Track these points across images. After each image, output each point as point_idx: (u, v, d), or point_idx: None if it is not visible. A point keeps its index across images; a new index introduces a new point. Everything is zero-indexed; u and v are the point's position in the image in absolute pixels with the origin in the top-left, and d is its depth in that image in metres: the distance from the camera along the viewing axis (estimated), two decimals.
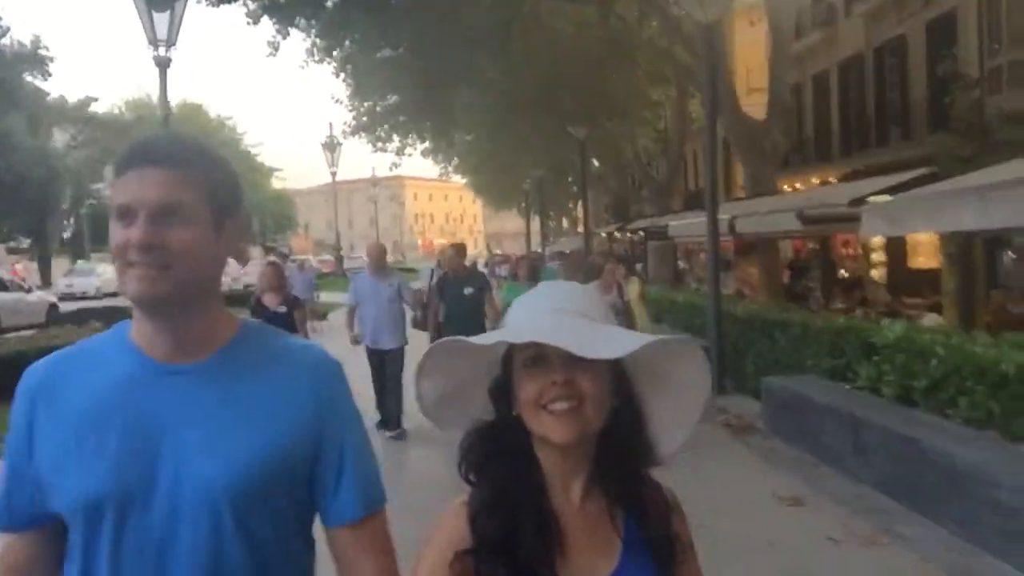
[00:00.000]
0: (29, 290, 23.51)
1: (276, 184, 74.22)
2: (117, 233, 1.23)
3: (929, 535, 4.66)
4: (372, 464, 1.41)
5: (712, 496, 5.11)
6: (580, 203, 36.74)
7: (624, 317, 7.13)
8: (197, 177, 1.26)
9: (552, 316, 1.21)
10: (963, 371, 5.26)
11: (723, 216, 12.03)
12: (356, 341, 8.23)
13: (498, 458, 1.23)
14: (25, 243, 47.39)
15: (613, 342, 1.16)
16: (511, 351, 1.24)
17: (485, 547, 1.18)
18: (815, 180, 22.49)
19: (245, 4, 13.81)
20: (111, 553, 1.24)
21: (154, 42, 11.72)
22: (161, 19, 11.60)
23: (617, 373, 1.23)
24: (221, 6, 13.18)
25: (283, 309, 7.45)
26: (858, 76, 22.13)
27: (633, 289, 8.81)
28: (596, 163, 30.07)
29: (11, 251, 45.56)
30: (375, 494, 1.39)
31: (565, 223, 53.33)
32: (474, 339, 1.22)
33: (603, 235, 32.95)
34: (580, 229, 33.08)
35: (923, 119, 18.15)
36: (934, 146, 13.95)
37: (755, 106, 17.68)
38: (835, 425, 5.97)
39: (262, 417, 1.27)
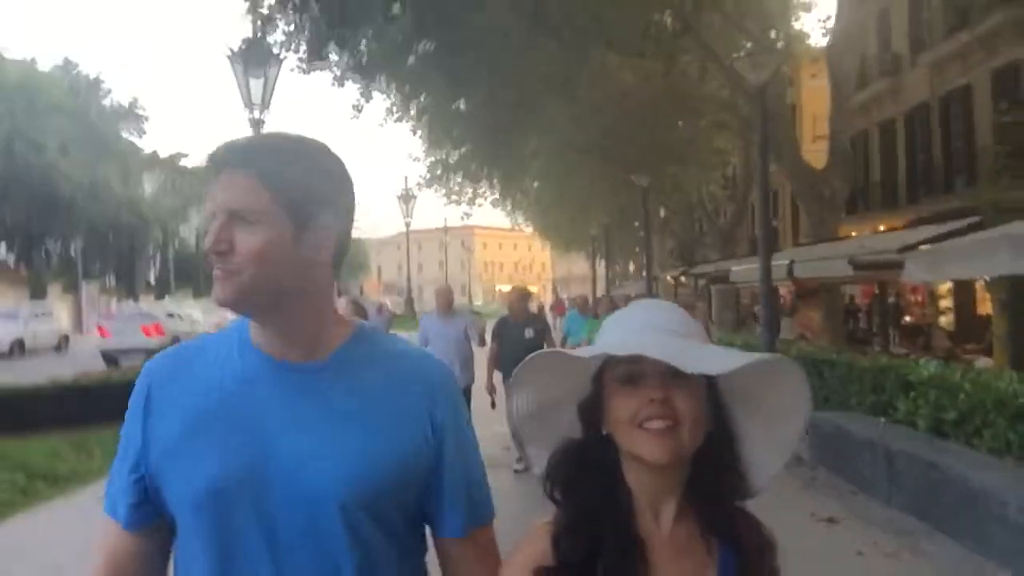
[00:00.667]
0: None
1: (354, 234, 76.83)
2: (208, 236, 1.25)
3: (947, 551, 5.09)
4: (482, 477, 1.41)
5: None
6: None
7: None
8: (273, 179, 1.23)
9: (650, 334, 1.19)
10: (987, 405, 5.67)
11: (783, 261, 12.44)
12: None
13: (585, 478, 1.21)
14: (114, 283, 50.08)
15: (716, 358, 1.15)
16: (603, 369, 1.22)
17: (567, 568, 1.16)
18: (881, 226, 22.57)
19: (331, 70, 14.98)
20: (219, 547, 1.24)
21: (249, 104, 12.91)
22: (256, 84, 12.80)
23: (712, 397, 1.21)
24: (311, 73, 14.35)
25: None
26: (924, 124, 22.27)
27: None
28: (662, 209, 30.60)
29: (103, 290, 48.18)
30: (484, 508, 1.39)
31: (632, 266, 53.72)
32: (573, 352, 1.22)
33: (668, 279, 33.31)
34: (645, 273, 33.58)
35: (988, 167, 18.24)
36: (996, 193, 14.14)
37: (820, 152, 18.06)
38: (871, 455, 6.43)
39: (378, 422, 1.27)
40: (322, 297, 1.31)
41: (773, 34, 17.56)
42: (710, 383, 1.18)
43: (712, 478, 1.19)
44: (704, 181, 25.77)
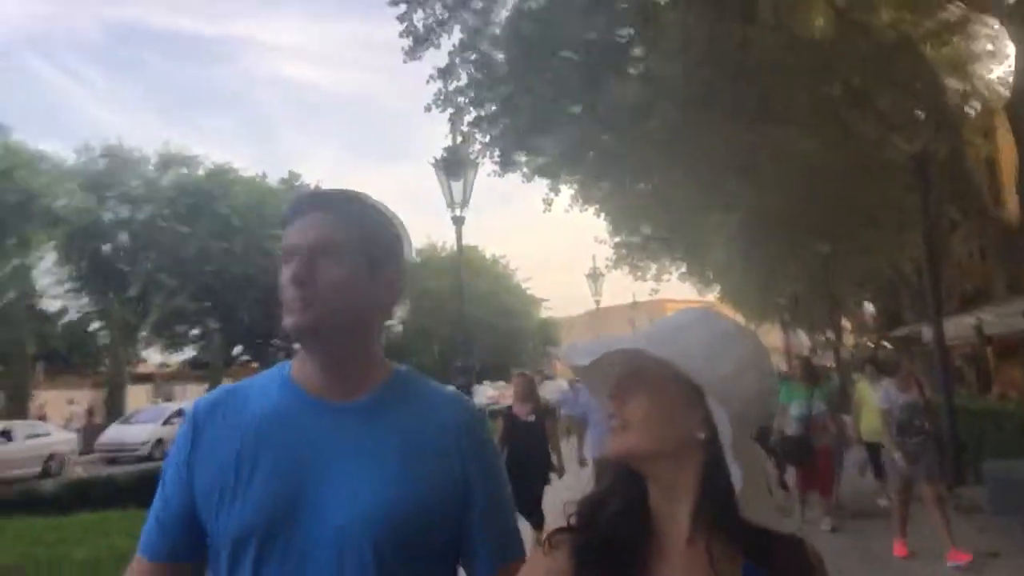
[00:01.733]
0: None
1: (544, 313, 79.27)
2: (283, 273, 1.35)
3: None
4: (512, 518, 1.45)
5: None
6: (843, 314, 36.54)
7: (925, 416, 7.15)
8: (352, 222, 1.36)
9: (633, 334, 1.25)
10: None
11: (970, 320, 12.50)
12: (584, 463, 8.46)
13: (616, 476, 1.24)
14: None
15: (589, 350, 1.20)
16: None
17: (576, 527, 1.20)
18: None
19: (522, 171, 16.76)
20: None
21: (451, 204, 14.76)
22: (456, 186, 14.65)
23: (702, 405, 1.16)
24: (505, 175, 16.16)
25: (533, 418, 7.60)
26: None
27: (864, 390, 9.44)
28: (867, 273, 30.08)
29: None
30: (513, 548, 1.42)
31: (831, 334, 51.94)
32: (576, 349, 1.24)
33: (868, 344, 32.34)
34: (845, 340, 32.89)
35: None
36: None
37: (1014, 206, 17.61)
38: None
39: (411, 464, 1.31)
40: (376, 338, 1.41)
41: (962, 88, 17.64)
42: (697, 389, 1.14)
43: (717, 488, 1.14)
44: (897, 244, 25.30)
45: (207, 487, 1.32)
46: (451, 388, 1.48)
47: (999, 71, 17.04)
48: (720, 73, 12.33)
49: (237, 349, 50.23)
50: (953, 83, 18.77)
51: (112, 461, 23.32)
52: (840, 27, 15.14)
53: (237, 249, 42.12)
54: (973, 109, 19.96)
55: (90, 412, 33.30)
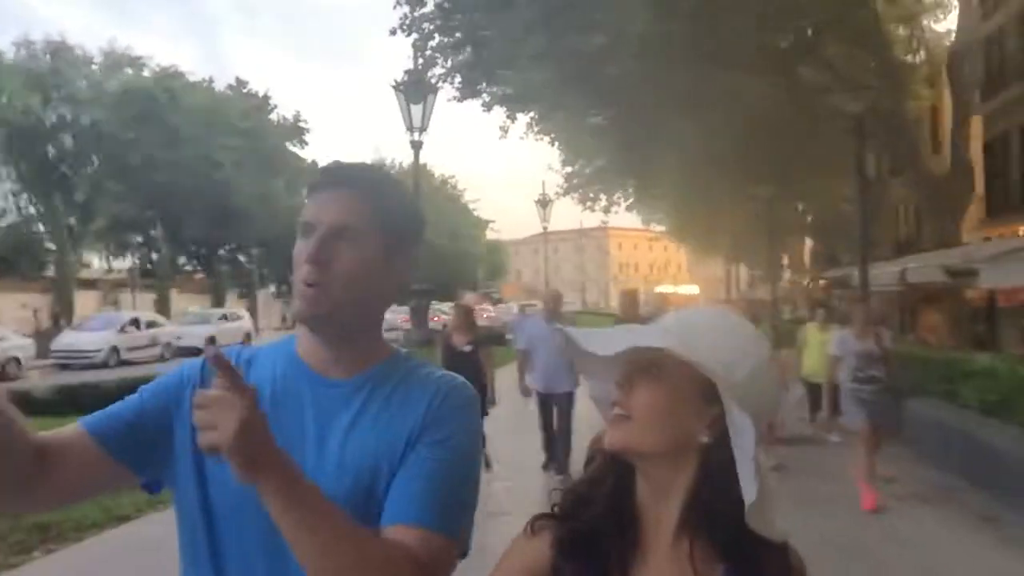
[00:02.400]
0: None
1: (490, 235, 79.92)
2: (297, 247, 1.31)
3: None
4: (460, 498, 1.31)
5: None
6: (783, 252, 37.98)
7: (881, 365, 7.15)
8: (373, 203, 1.32)
9: (637, 328, 1.23)
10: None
11: (896, 268, 13.46)
12: (527, 393, 8.43)
13: (605, 466, 1.22)
14: (286, 288, 54.92)
15: (615, 341, 1.16)
16: None
17: (560, 516, 1.19)
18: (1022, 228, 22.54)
19: (482, 98, 17.07)
20: (225, 547, 1.30)
21: (411, 128, 15.05)
22: (416, 109, 14.92)
23: (713, 405, 1.13)
24: (465, 101, 16.48)
25: (469, 348, 7.68)
26: None
27: (829, 336, 8.99)
28: (808, 214, 31.29)
29: (277, 295, 52.97)
30: (447, 520, 1.26)
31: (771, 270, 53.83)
32: (575, 336, 1.21)
33: (804, 283, 33.78)
34: (784, 276, 34.36)
35: None
36: None
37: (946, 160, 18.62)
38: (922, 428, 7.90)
39: (382, 439, 1.29)
40: (380, 322, 1.40)
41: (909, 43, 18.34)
42: (711, 390, 1.12)
43: (708, 493, 1.14)
44: (836, 190, 26.34)
45: (195, 454, 1.26)
46: (448, 373, 1.42)
47: (947, 23, 17.75)
48: (678, 17, 12.73)
49: (183, 260, 49.95)
50: (902, 34, 19.55)
51: (65, 367, 23.54)
52: None
53: (185, 159, 41.47)
54: (920, 58, 20.85)
55: (39, 316, 33.13)
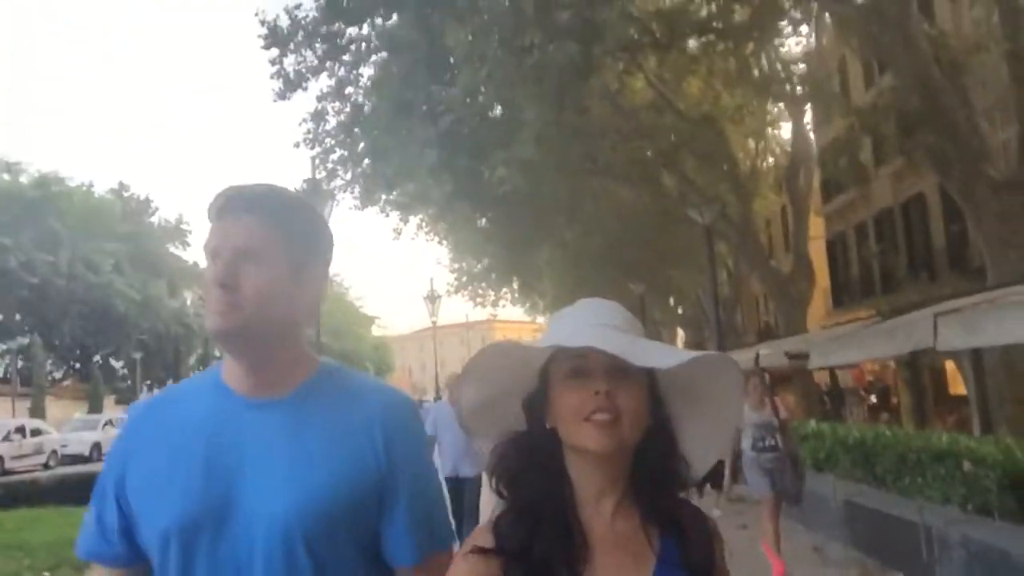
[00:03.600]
0: None
1: (377, 331, 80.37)
2: (207, 274, 1.33)
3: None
4: (438, 505, 1.44)
5: None
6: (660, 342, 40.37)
7: (778, 435, 7.34)
8: (277, 225, 1.34)
9: (598, 328, 1.24)
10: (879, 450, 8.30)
11: (751, 353, 15.34)
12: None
13: (529, 469, 1.24)
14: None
15: (662, 354, 1.19)
16: (549, 364, 1.27)
17: (504, 553, 1.19)
18: (862, 314, 25.35)
19: (382, 209, 18.49)
20: None
21: None
22: None
23: (653, 392, 1.25)
24: (365, 208, 17.80)
25: None
26: (890, 226, 25.27)
27: None
28: (679, 307, 33.76)
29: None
30: (439, 535, 1.41)
31: None
32: (528, 343, 1.27)
33: None
34: None
35: (944, 264, 21.06)
36: (952, 287, 16.91)
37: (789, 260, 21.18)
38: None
39: (335, 452, 1.32)
40: (300, 337, 1.43)
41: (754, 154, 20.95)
42: (650, 379, 1.23)
43: (652, 469, 1.23)
44: (699, 284, 28.82)
45: (139, 491, 1.34)
46: (379, 380, 1.49)
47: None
48: (557, 135, 14.52)
49: (56, 365, 48.06)
50: (751, 144, 22.29)
51: None
52: (656, 102, 17.98)
53: (63, 262, 40.74)
54: (768, 165, 23.64)
55: None
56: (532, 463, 1.25)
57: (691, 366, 1.20)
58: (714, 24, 13.49)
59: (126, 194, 50.35)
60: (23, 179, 42.67)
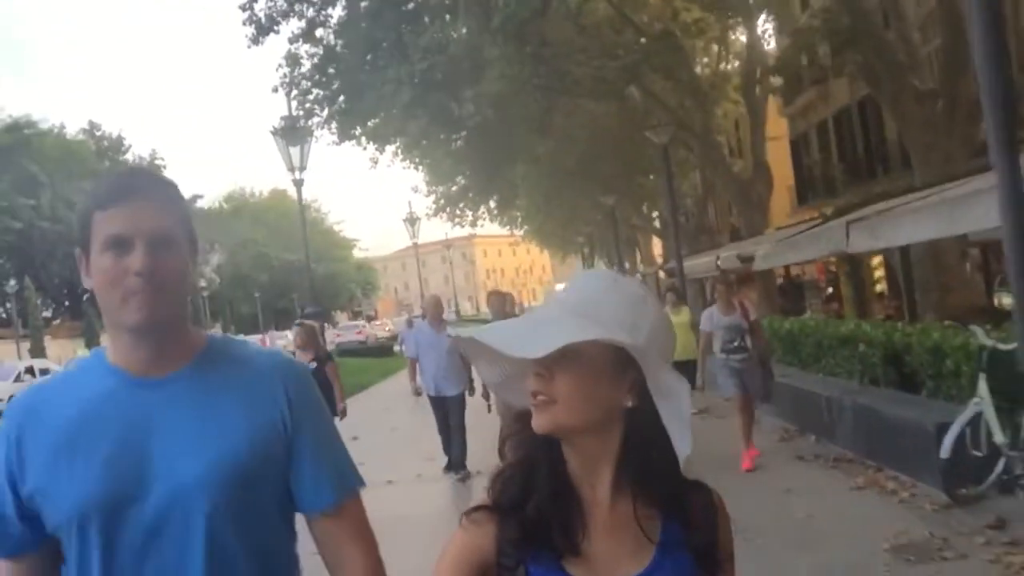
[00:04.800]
0: None
1: (357, 254, 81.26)
2: (110, 262, 1.31)
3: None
4: (343, 452, 1.51)
5: None
6: (636, 248, 41.86)
7: (747, 336, 7.44)
8: (176, 208, 1.39)
9: (541, 310, 1.28)
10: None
11: (713, 257, 16.63)
12: (418, 392, 8.77)
13: (528, 440, 1.24)
14: None
15: (550, 339, 1.13)
16: None
17: (500, 506, 1.21)
18: (827, 211, 26.58)
19: (358, 142, 19.32)
20: (104, 556, 1.32)
21: (291, 167, 16.97)
22: (295, 151, 16.89)
23: (631, 372, 1.18)
24: (343, 143, 18.68)
25: (314, 365, 7.70)
26: (848, 124, 26.31)
27: (683, 316, 9.43)
28: (655, 213, 34.95)
29: None
30: (348, 480, 1.48)
31: (627, 264, 58.17)
32: (469, 336, 1.23)
33: (660, 274, 37.59)
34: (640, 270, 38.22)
35: (898, 158, 22.22)
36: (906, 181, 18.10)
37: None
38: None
39: (239, 417, 1.37)
40: (188, 315, 1.46)
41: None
42: (627, 361, 1.16)
43: (639, 453, 1.19)
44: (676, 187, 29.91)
45: (38, 480, 1.33)
46: (264, 346, 1.79)
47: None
48: (525, 57, 15.32)
49: (48, 309, 49.00)
50: (714, 49, 23.03)
51: None
52: (617, 20, 18.68)
53: (44, 205, 41.22)
54: (733, 67, 24.38)
55: None
56: (535, 442, 1.22)
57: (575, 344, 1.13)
58: None
59: (98, 133, 50.37)
60: None
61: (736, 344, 7.37)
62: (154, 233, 1.33)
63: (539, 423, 1.18)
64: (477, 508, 1.23)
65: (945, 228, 5.91)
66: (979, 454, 4.86)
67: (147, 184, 1.39)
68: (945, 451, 4.89)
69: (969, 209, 5.59)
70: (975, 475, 4.99)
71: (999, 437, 4.68)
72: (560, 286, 1.32)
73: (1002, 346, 4.75)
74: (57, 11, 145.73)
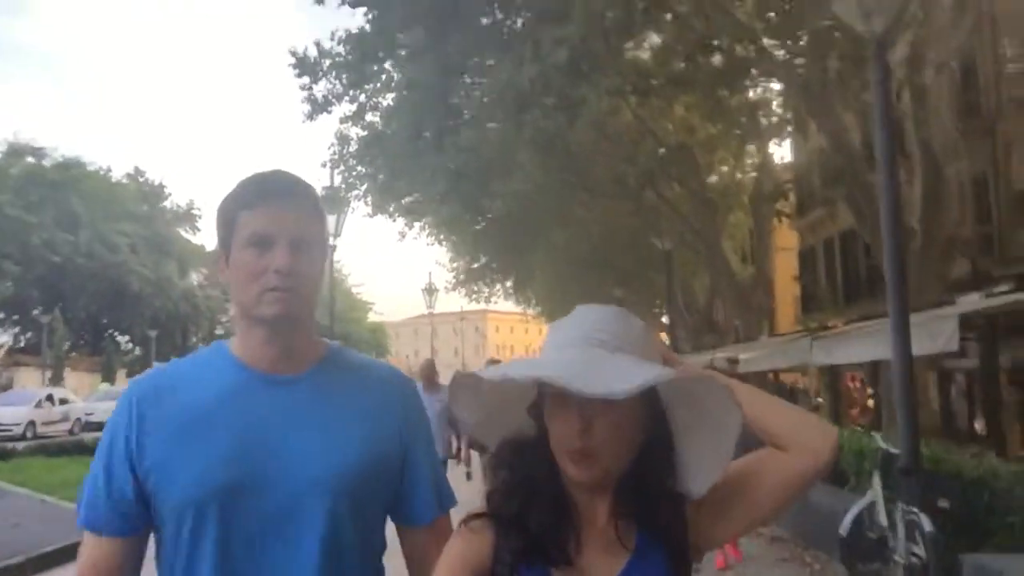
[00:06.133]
0: None
1: (372, 317, 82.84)
2: (251, 258, 1.39)
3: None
4: (442, 471, 1.59)
5: None
6: None
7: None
8: (316, 213, 1.47)
9: (569, 350, 1.22)
10: None
11: (708, 357, 17.81)
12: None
13: (526, 460, 1.26)
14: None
15: (620, 376, 1.11)
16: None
17: (500, 521, 1.22)
18: (829, 323, 27.72)
19: (390, 215, 20.98)
20: (219, 542, 1.36)
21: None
22: (331, 219, 18.40)
23: (653, 405, 1.22)
24: (376, 216, 20.30)
25: None
26: (852, 244, 27.67)
27: None
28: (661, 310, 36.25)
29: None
30: (448, 498, 1.57)
31: None
32: (486, 374, 1.25)
33: None
34: None
35: None
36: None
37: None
38: None
39: (360, 423, 1.43)
40: (315, 319, 1.55)
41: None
42: (651, 393, 1.18)
43: (643, 482, 1.22)
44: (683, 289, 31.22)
45: (157, 459, 1.38)
46: (381, 360, 1.54)
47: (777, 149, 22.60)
48: (553, 158, 16.94)
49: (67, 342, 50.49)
50: (725, 163, 24.66)
51: None
52: (639, 129, 20.35)
53: (82, 241, 43.12)
54: (749, 177, 25.87)
55: None
56: (531, 455, 1.25)
57: (682, 383, 1.20)
58: (686, 77, 15.85)
59: (141, 179, 52.74)
60: (46, 163, 45.06)
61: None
62: (295, 234, 1.41)
63: (585, 475, 1.19)
64: (476, 516, 1.25)
65: (873, 353, 7.19)
66: (872, 536, 6.02)
67: (291, 188, 1.47)
68: (844, 529, 6.07)
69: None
70: (872, 554, 6.11)
71: (883, 520, 5.85)
72: (560, 321, 1.33)
73: (892, 449, 5.97)
74: (118, 65, 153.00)
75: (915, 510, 5.29)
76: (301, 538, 1.38)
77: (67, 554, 7.00)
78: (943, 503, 5.41)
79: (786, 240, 31.62)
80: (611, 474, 1.21)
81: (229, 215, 1.44)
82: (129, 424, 1.41)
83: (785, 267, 32.58)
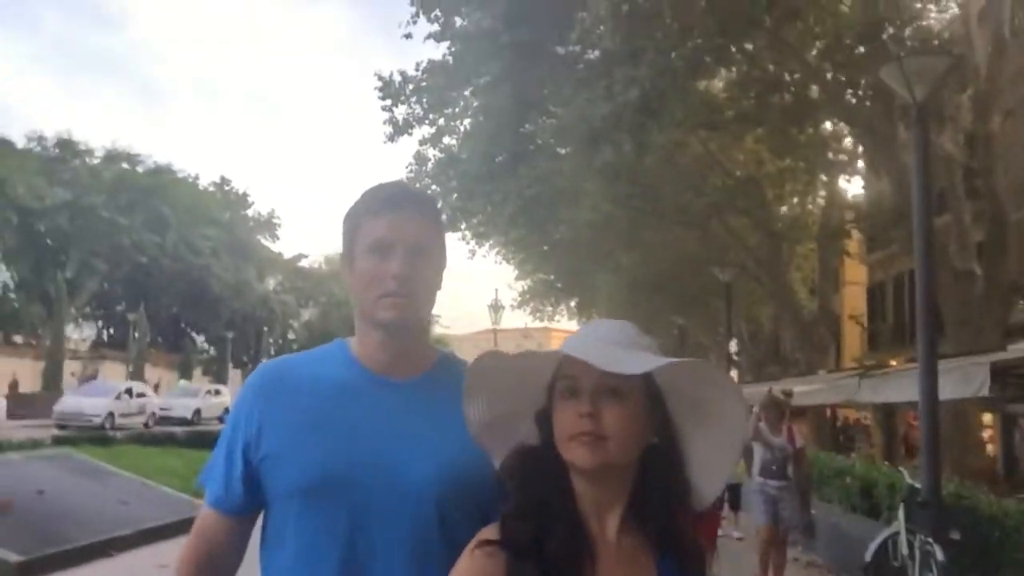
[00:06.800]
0: None
1: (437, 330, 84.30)
2: (372, 264, 1.45)
3: None
4: None
5: None
6: None
7: (789, 463, 7.13)
8: (437, 224, 1.53)
9: (591, 343, 1.27)
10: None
11: (765, 388, 18.07)
12: None
13: (538, 477, 1.26)
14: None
15: (638, 363, 1.18)
16: (554, 381, 1.29)
17: (514, 547, 1.20)
18: (893, 361, 27.42)
19: (462, 234, 21.85)
20: (326, 530, 1.42)
21: None
22: None
23: (658, 409, 1.26)
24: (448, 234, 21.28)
25: None
26: None
27: None
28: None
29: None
30: None
31: None
32: (516, 356, 1.30)
33: None
34: None
35: None
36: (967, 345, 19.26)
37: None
38: None
39: (463, 429, 1.39)
40: (429, 326, 2.18)
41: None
42: (656, 397, 1.24)
43: (653, 489, 1.24)
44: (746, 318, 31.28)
45: (273, 446, 1.45)
46: None
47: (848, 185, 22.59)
48: (621, 187, 17.56)
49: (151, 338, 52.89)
50: (792, 197, 24.74)
51: (63, 427, 25.64)
52: (707, 160, 20.75)
53: (169, 244, 45.30)
54: (818, 207, 25.80)
55: (13, 384, 34.79)
56: (540, 472, 1.26)
57: (685, 376, 1.25)
58: (755, 114, 16.24)
59: (227, 187, 55.21)
60: (139, 169, 47.62)
61: (775, 468, 7.06)
62: (414, 242, 1.45)
63: (590, 459, 1.21)
64: (490, 541, 1.23)
65: (910, 393, 7.54)
66: (896, 564, 6.42)
67: (413, 198, 1.52)
68: (868, 554, 6.50)
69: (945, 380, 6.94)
70: None
71: (904, 550, 6.24)
72: (582, 328, 1.42)
73: (917, 484, 6.37)
74: (210, 81, 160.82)
75: (931, 540, 5.71)
76: (399, 536, 1.42)
77: (168, 530, 7.84)
78: (955, 535, 5.79)
79: (857, 274, 31.37)
80: (616, 465, 1.23)
81: (353, 222, 1.51)
82: (251, 413, 1.50)
83: (855, 301, 32.28)
